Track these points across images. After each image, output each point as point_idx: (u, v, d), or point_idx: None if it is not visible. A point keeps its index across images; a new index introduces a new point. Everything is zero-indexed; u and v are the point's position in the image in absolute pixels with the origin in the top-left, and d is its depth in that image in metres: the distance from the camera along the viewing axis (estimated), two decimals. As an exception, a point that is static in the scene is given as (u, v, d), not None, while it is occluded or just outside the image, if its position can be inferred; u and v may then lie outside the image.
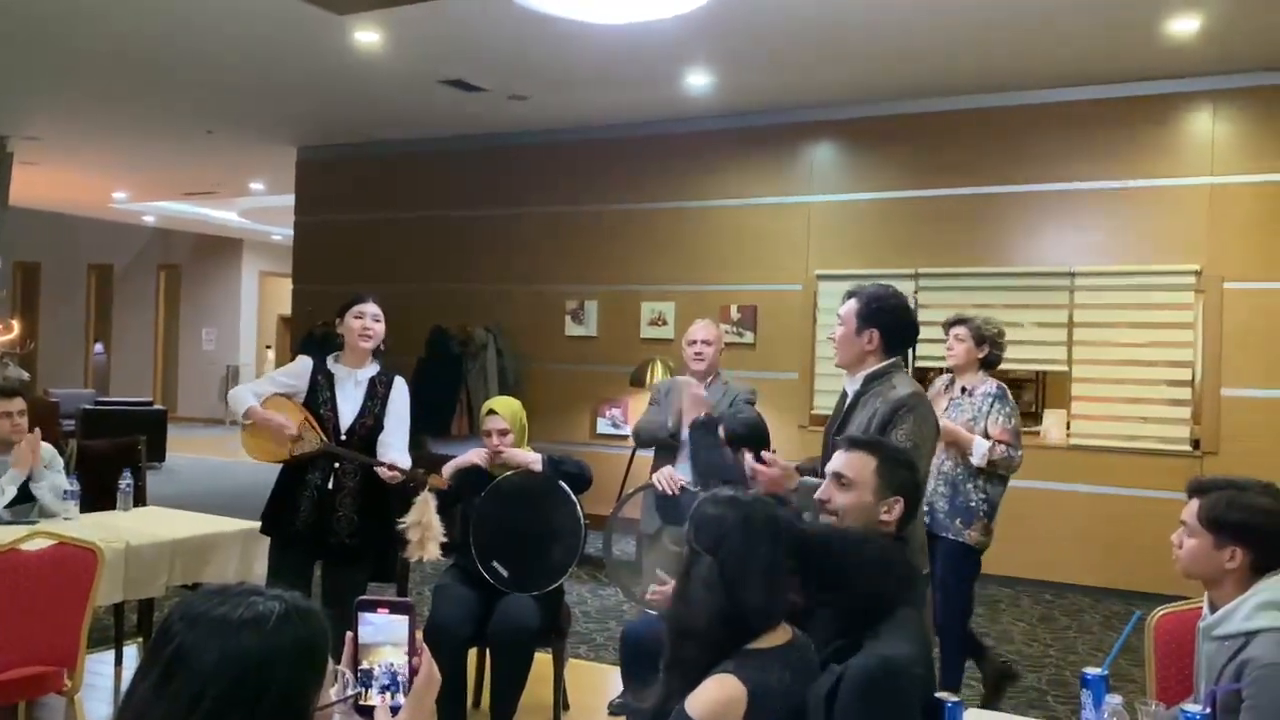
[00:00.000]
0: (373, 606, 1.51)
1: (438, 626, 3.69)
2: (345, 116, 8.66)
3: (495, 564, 3.78)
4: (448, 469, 3.98)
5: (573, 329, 8.66)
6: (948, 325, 4.46)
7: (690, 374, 4.64)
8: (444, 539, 3.75)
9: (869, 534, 2.33)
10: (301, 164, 10.13)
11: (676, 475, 4.01)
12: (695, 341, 4.57)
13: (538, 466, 3.89)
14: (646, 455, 4.85)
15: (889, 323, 2.99)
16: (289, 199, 10.57)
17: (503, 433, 3.94)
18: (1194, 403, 6.64)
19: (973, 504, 4.21)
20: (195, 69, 7.25)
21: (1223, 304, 6.52)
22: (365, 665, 1.49)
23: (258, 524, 3.98)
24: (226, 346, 17.02)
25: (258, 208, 14.12)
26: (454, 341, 8.64)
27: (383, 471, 3.65)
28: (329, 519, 3.73)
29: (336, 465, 3.74)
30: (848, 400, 3.05)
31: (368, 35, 6.33)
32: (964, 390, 4.29)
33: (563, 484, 3.86)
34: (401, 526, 3.73)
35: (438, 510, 4.02)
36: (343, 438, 3.75)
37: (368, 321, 3.80)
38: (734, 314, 7.94)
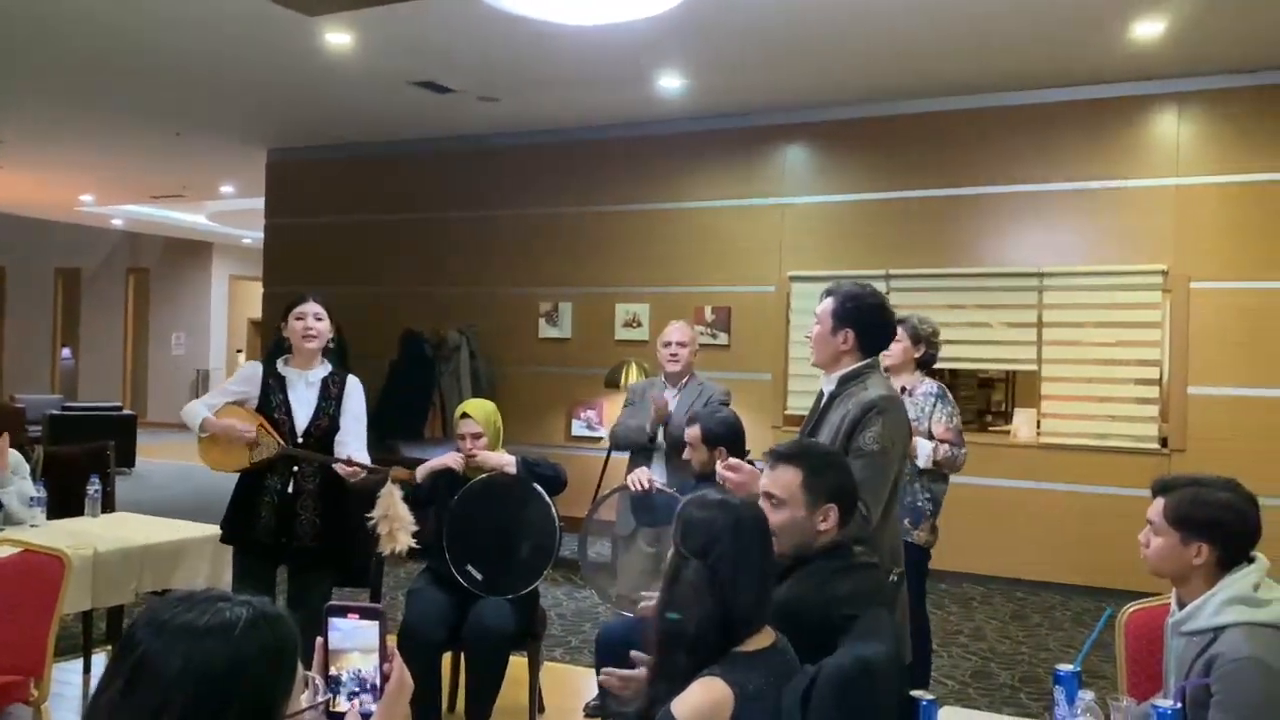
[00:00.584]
0: (342, 612, 1.50)
1: (411, 630, 3.67)
2: (316, 118, 8.61)
3: (469, 567, 3.76)
4: (421, 471, 3.96)
5: (547, 331, 8.65)
6: None
7: (665, 376, 4.66)
8: (414, 528, 3.74)
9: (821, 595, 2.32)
10: (272, 166, 10.06)
11: (651, 476, 4.01)
12: (670, 343, 4.59)
13: (512, 469, 3.88)
14: (621, 457, 4.86)
15: (865, 323, 2.95)
16: (259, 202, 10.50)
17: (476, 436, 3.92)
18: (1162, 401, 6.71)
19: (919, 504, 4.24)
20: (163, 70, 7.19)
21: (1189, 303, 6.60)
22: (333, 671, 1.48)
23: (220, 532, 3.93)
24: (196, 351, 16.86)
25: (227, 210, 14.01)
26: (427, 344, 8.60)
27: (341, 468, 3.64)
28: (291, 523, 3.70)
29: (295, 469, 3.71)
30: (823, 400, 3.03)
31: (338, 37, 6.30)
32: (903, 390, 4.29)
33: (537, 486, 3.85)
34: (370, 522, 3.71)
35: (413, 508, 4.00)
36: (299, 440, 3.73)
37: (309, 321, 3.77)
38: (708, 315, 7.95)
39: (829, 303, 2.99)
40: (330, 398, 3.82)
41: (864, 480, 2.74)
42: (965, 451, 4.32)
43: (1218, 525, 2.22)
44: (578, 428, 8.47)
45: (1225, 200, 6.57)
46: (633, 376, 7.41)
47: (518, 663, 3.87)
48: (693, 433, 3.77)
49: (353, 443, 3.76)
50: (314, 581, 3.74)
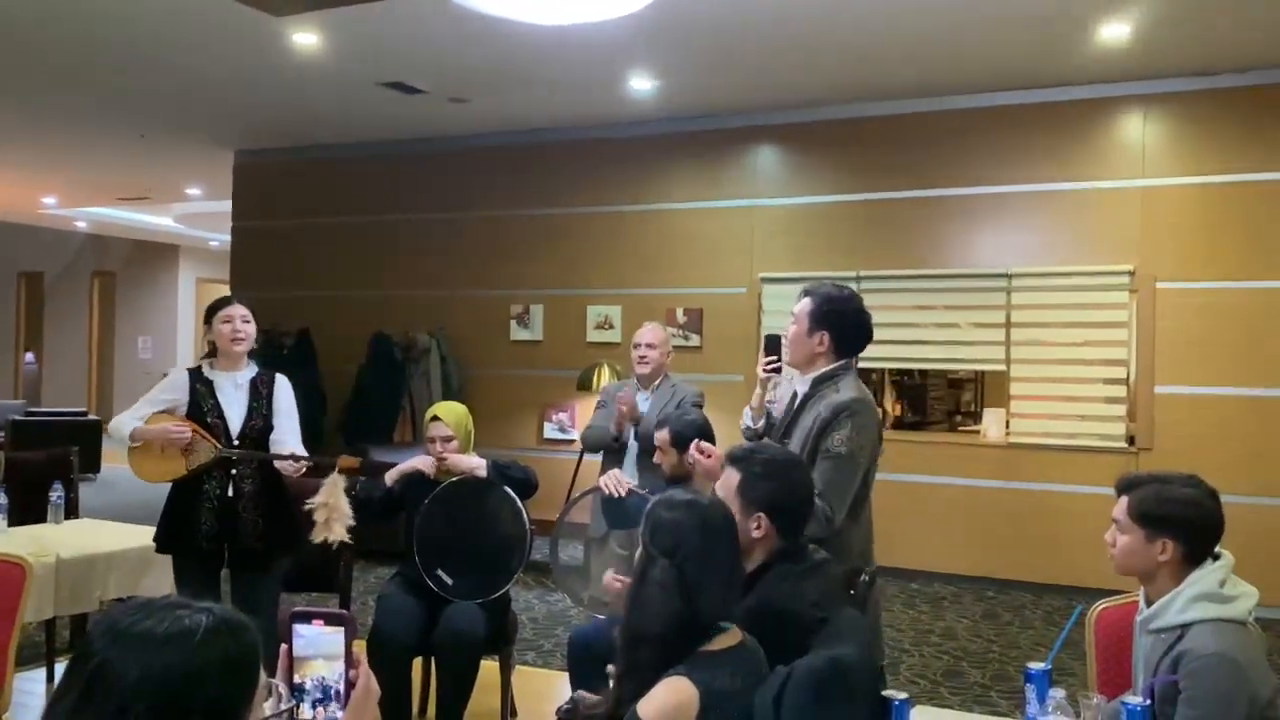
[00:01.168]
0: (307, 618, 1.49)
1: (381, 636, 3.64)
2: (283, 120, 8.53)
3: (439, 572, 3.73)
4: (391, 475, 3.93)
5: (518, 333, 8.62)
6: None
7: (637, 378, 4.65)
8: (351, 521, 3.70)
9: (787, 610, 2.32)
10: (239, 168, 9.96)
11: (623, 478, 4.00)
12: (640, 345, 4.58)
13: (483, 472, 3.86)
14: (594, 459, 4.85)
15: (842, 326, 2.96)
16: (226, 204, 10.39)
17: (447, 439, 3.89)
18: (1129, 400, 6.78)
19: None
20: (127, 71, 7.09)
21: (1155, 303, 6.67)
22: (297, 679, 1.46)
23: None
24: (163, 355, 16.66)
25: (194, 213, 13.86)
26: (396, 347, 8.54)
27: (286, 465, 3.61)
28: (233, 526, 3.67)
29: (234, 471, 3.68)
30: (796, 401, 3.04)
31: (305, 37, 6.24)
32: None
33: (508, 489, 3.83)
34: (309, 507, 3.68)
35: (380, 517, 3.97)
36: (235, 442, 3.69)
37: (237, 324, 3.75)
38: (680, 317, 7.95)
39: (807, 303, 2.99)
40: (261, 397, 3.79)
41: (829, 482, 2.79)
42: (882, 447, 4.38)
43: (1181, 521, 2.24)
44: (550, 430, 8.44)
45: (1190, 202, 6.65)
46: (605, 378, 7.40)
47: (489, 667, 3.85)
48: (662, 436, 3.77)
49: (290, 439, 3.75)
50: (260, 583, 3.71)
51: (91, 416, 12.28)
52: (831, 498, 2.78)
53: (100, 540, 4.23)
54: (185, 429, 3.61)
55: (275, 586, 3.83)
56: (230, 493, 3.67)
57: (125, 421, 3.69)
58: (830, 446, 2.82)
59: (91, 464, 10.90)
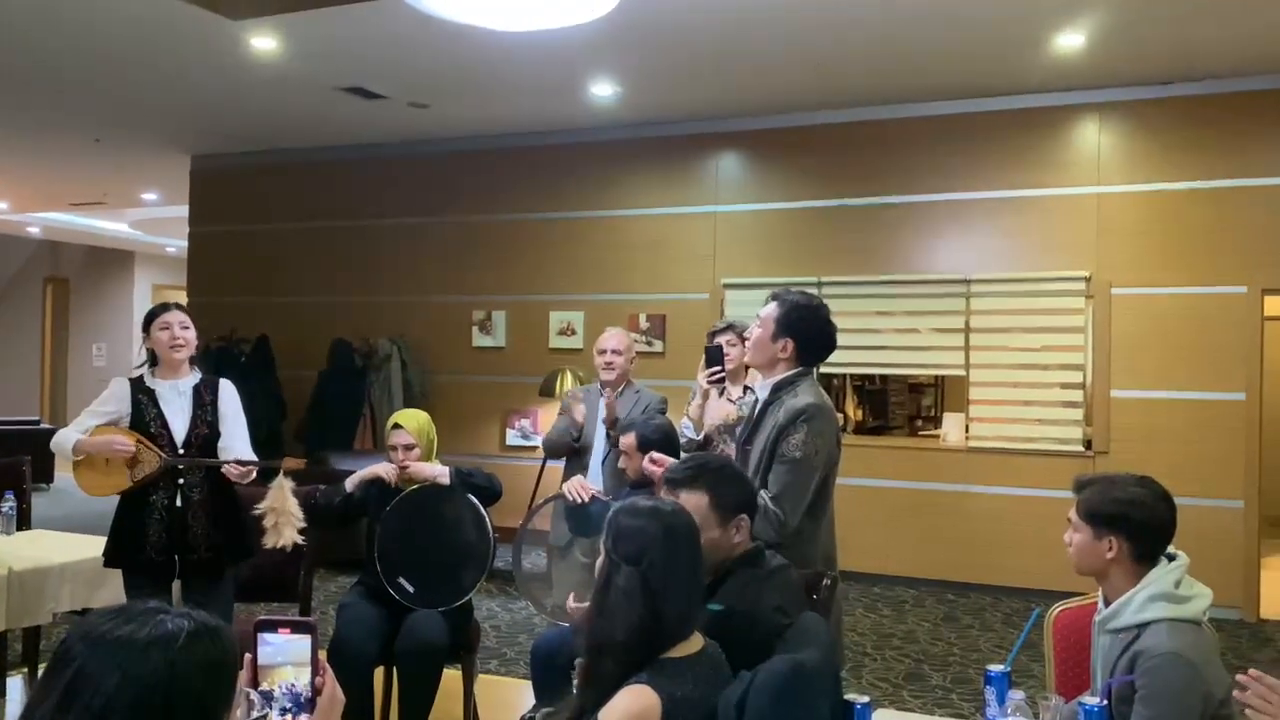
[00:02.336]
0: (273, 627, 1.49)
1: (342, 645, 3.61)
2: (242, 124, 8.44)
3: (401, 580, 3.70)
4: (351, 481, 3.90)
5: (480, 339, 8.58)
6: (713, 334, 4.35)
7: (601, 384, 4.64)
8: (301, 524, 3.67)
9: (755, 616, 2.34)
10: (196, 173, 9.84)
11: (586, 484, 3.99)
12: (605, 351, 4.57)
13: (446, 479, 3.83)
14: (557, 465, 4.83)
15: (806, 334, 2.99)
16: (183, 209, 10.26)
17: (409, 447, 3.86)
18: (1086, 404, 6.87)
19: None
20: (81, 75, 6.99)
21: (1111, 309, 6.77)
22: (266, 686, 1.46)
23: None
24: (118, 362, 16.39)
25: (150, 219, 13.67)
26: (357, 354, 8.48)
27: (232, 470, 3.56)
28: (183, 537, 3.61)
29: (181, 481, 3.62)
30: (757, 409, 3.06)
31: (264, 41, 6.18)
32: (746, 390, 4.30)
33: (470, 496, 3.80)
34: (257, 512, 3.65)
35: (339, 523, 3.93)
36: (180, 451, 3.64)
37: (175, 331, 3.69)
38: (643, 323, 7.96)
39: (774, 308, 3.01)
40: (205, 404, 3.74)
41: (784, 485, 2.82)
42: None
43: (1125, 519, 2.28)
44: (512, 437, 8.41)
45: (1144, 208, 6.76)
46: (568, 385, 7.38)
47: (452, 676, 3.82)
48: (627, 440, 3.76)
49: (238, 445, 3.70)
50: (212, 592, 3.64)
51: (44, 425, 12.04)
52: (784, 501, 2.81)
53: (53, 552, 4.15)
54: (129, 441, 3.55)
55: (228, 596, 3.78)
56: (178, 503, 3.61)
57: (68, 435, 3.63)
58: (785, 451, 2.85)
59: (44, 474, 10.69)
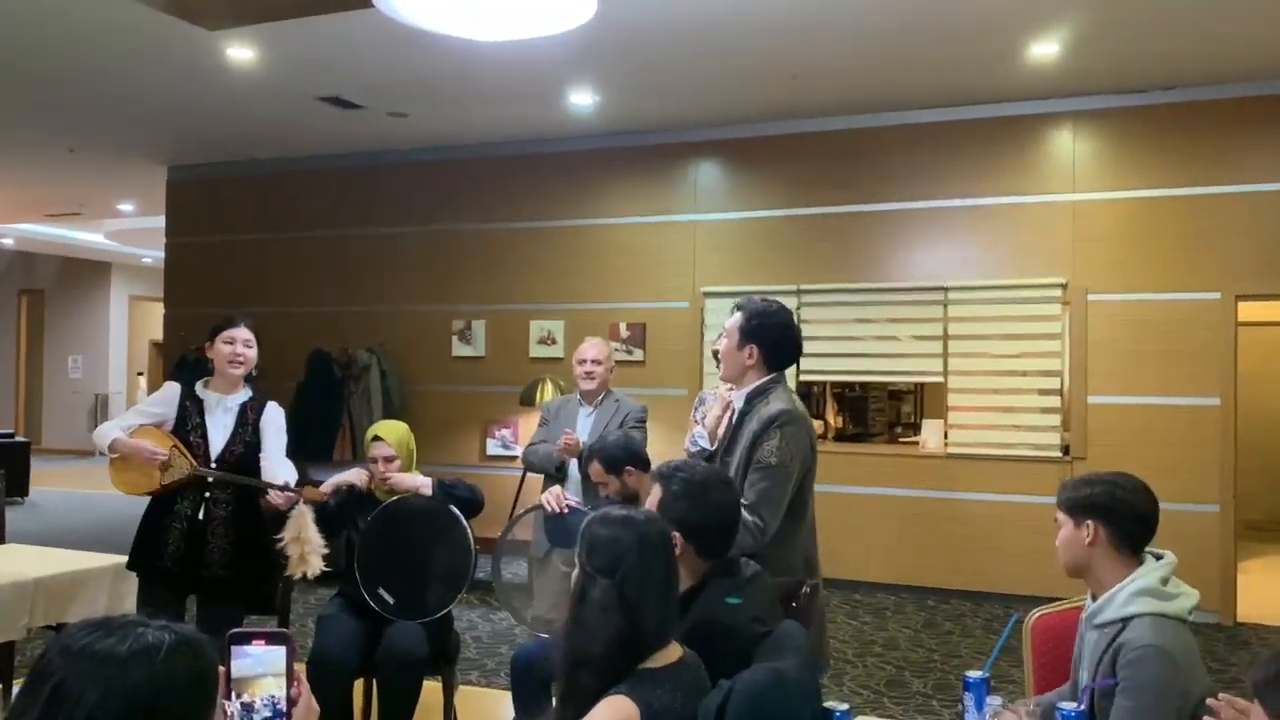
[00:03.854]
0: (247, 639, 1.50)
1: (322, 657, 3.58)
2: (219, 134, 8.40)
3: (381, 591, 3.68)
4: (326, 487, 3.88)
5: (460, 349, 8.56)
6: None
7: (581, 393, 4.63)
8: (325, 551, 3.65)
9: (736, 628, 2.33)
10: (173, 184, 9.78)
11: (565, 495, 3.98)
12: (585, 361, 4.57)
13: (427, 490, 3.82)
14: (538, 476, 4.82)
15: (769, 339, 3.03)
16: (160, 220, 10.20)
17: (389, 459, 3.85)
18: (1063, 410, 6.91)
19: None
20: (56, 85, 6.94)
21: (1087, 315, 6.82)
22: (246, 698, 1.47)
23: (126, 559, 3.80)
24: (95, 374, 16.28)
25: (127, 229, 13.59)
26: (335, 364, 8.44)
27: (275, 496, 3.52)
28: (201, 550, 3.60)
29: (207, 495, 3.61)
30: (734, 419, 3.09)
31: (241, 51, 6.16)
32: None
33: (452, 507, 3.79)
34: (280, 544, 3.61)
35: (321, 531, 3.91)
36: (212, 465, 3.63)
37: (238, 348, 3.69)
38: (623, 332, 7.96)
39: (737, 317, 3.07)
40: (247, 423, 3.73)
41: (760, 492, 2.85)
42: None
43: (1101, 502, 2.33)
44: (493, 447, 8.39)
45: (1119, 215, 6.82)
46: (548, 394, 7.37)
47: (432, 688, 3.80)
48: (595, 469, 3.71)
49: (280, 471, 3.65)
50: (225, 611, 3.61)
51: (19, 438, 11.93)
52: (762, 508, 2.83)
53: (28, 566, 4.10)
54: (163, 449, 3.54)
55: (239, 616, 3.71)
56: (201, 515, 3.60)
57: (109, 430, 3.62)
58: (760, 458, 2.88)
59: (19, 488, 10.61)
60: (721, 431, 3.21)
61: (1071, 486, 2.40)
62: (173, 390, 3.74)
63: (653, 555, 2.08)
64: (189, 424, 3.66)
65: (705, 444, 3.43)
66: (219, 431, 3.68)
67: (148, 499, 3.67)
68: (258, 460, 3.71)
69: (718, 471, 2.67)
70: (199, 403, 3.70)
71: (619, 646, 2.00)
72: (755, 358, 3.02)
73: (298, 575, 3.64)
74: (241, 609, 3.74)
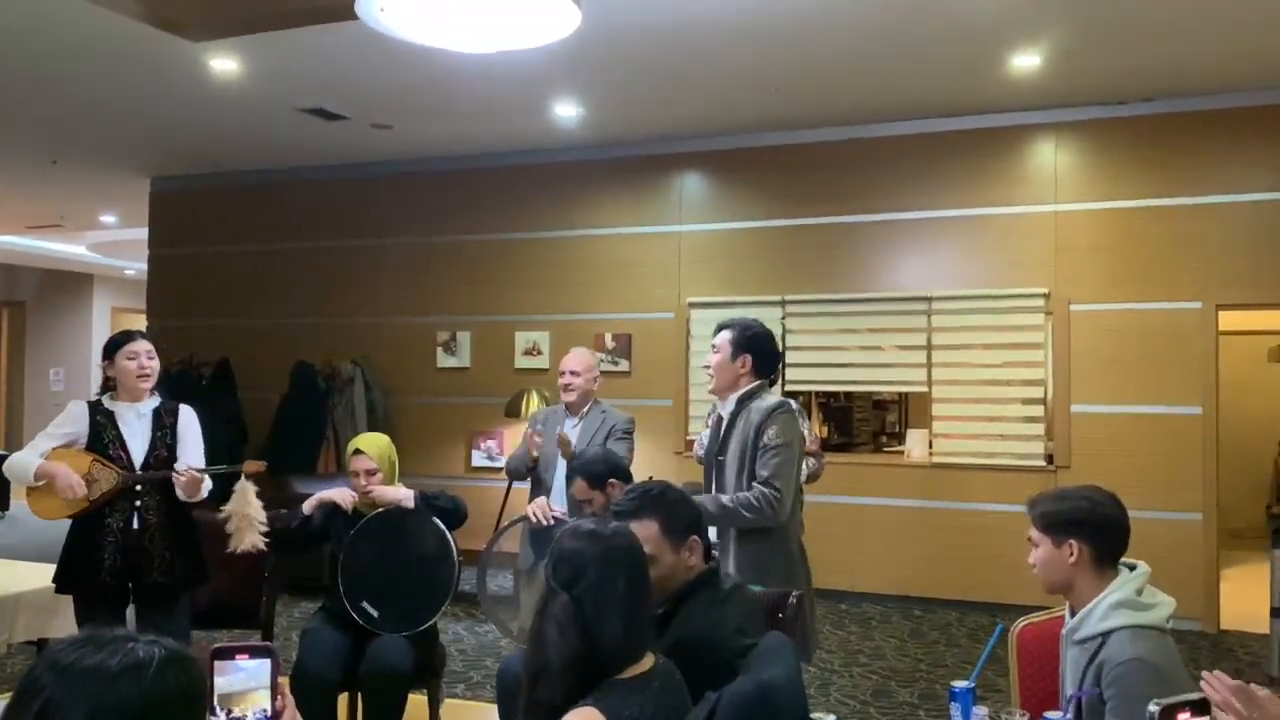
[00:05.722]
0: (230, 654, 1.51)
1: (306, 671, 3.56)
2: (202, 146, 8.37)
3: (365, 604, 3.66)
4: (309, 504, 3.86)
5: (445, 360, 8.54)
6: None
7: (565, 405, 4.62)
8: (264, 527, 3.64)
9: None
10: (156, 195, 9.74)
11: (551, 506, 3.97)
12: (564, 372, 4.57)
13: (410, 503, 3.80)
14: (523, 488, 4.80)
15: (760, 348, 3.45)
16: (143, 232, 10.14)
17: (370, 472, 3.83)
18: (1047, 419, 6.94)
19: None
20: (38, 96, 6.90)
21: (1070, 325, 6.85)
22: (238, 712, 1.48)
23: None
24: (77, 386, 16.12)
25: (109, 241, 13.51)
26: (319, 376, 8.40)
27: (179, 479, 3.51)
28: (138, 561, 3.57)
29: (138, 504, 3.58)
30: (723, 423, 3.43)
31: (224, 63, 6.15)
32: None
33: (435, 519, 3.77)
34: (222, 516, 3.63)
35: (301, 547, 3.89)
36: (137, 474, 3.60)
37: (143, 361, 3.67)
38: (609, 342, 7.96)
39: (727, 334, 3.49)
40: (165, 427, 3.71)
41: (774, 468, 3.24)
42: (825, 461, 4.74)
43: (1082, 520, 2.34)
44: (478, 458, 8.37)
45: (1100, 225, 6.86)
46: (533, 405, 7.36)
47: (417, 701, 3.78)
48: (579, 486, 3.70)
49: (192, 460, 3.65)
50: (166, 616, 3.59)
51: (0, 452, 11.83)
52: (777, 480, 3.22)
53: (7, 581, 4.07)
54: (80, 484, 3.48)
55: (185, 623, 3.71)
56: (135, 524, 3.57)
57: (27, 459, 3.56)
58: (769, 440, 3.26)
59: (0, 501, 10.51)
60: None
61: (1052, 506, 2.37)
62: (80, 408, 3.70)
63: (614, 571, 2.01)
64: (105, 438, 3.61)
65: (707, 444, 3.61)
66: (137, 439, 3.65)
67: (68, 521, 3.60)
68: None
69: (665, 483, 2.75)
70: (110, 415, 3.66)
71: (575, 663, 1.94)
72: (748, 366, 3.42)
73: (232, 549, 3.63)
74: (186, 612, 3.72)
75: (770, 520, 3.22)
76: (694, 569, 2.43)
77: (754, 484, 3.26)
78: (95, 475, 3.53)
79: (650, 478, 3.75)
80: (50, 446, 3.60)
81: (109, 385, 3.71)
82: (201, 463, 3.71)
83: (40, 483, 3.54)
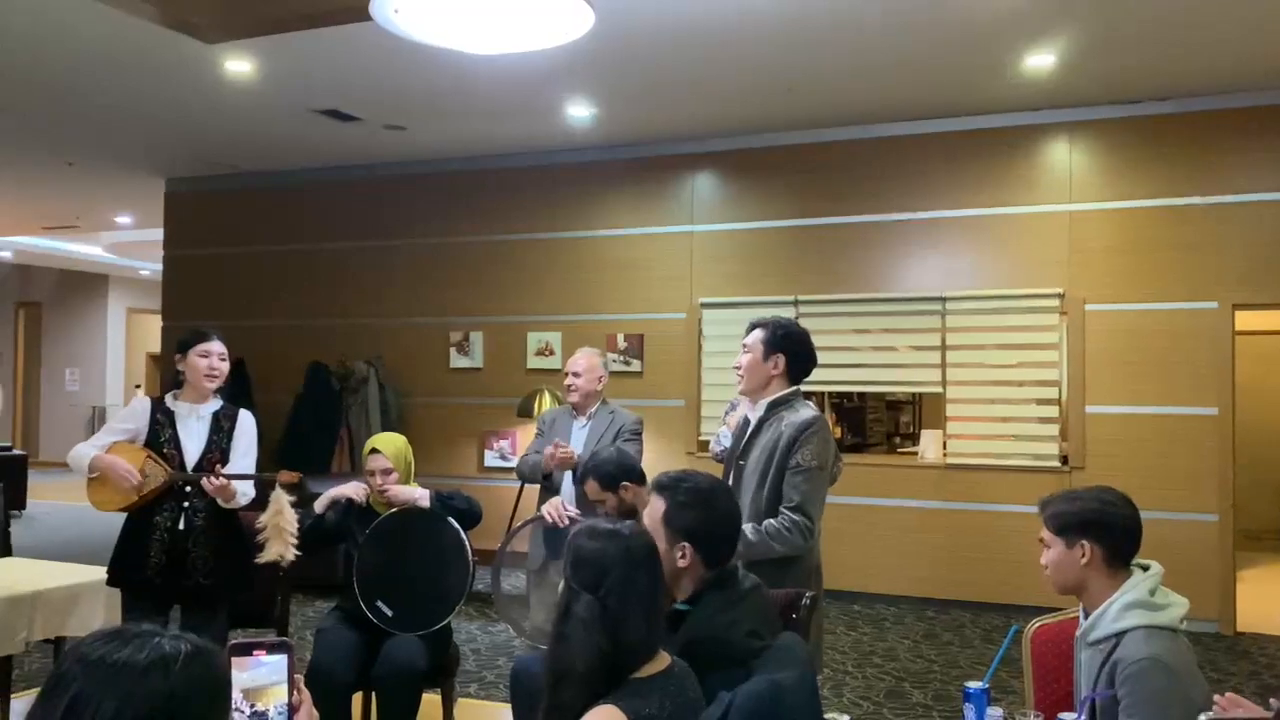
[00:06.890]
0: (247, 650, 1.52)
1: (320, 670, 3.57)
2: (217, 147, 8.42)
3: (380, 604, 3.67)
4: (321, 502, 3.88)
5: (458, 361, 8.56)
6: None
7: (571, 405, 4.62)
8: (294, 539, 3.66)
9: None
10: (171, 196, 9.79)
11: (565, 506, 3.97)
12: (568, 374, 4.58)
13: (425, 503, 3.81)
14: (535, 487, 4.81)
15: (794, 349, 3.26)
16: (158, 233, 10.20)
17: (386, 471, 3.84)
18: (1061, 420, 6.91)
19: None
20: (55, 99, 6.95)
21: (1085, 325, 6.83)
22: (260, 707, 1.49)
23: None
24: (92, 387, 16.26)
25: (125, 242, 13.60)
26: (333, 377, 8.43)
27: (208, 484, 3.54)
28: (183, 561, 3.61)
29: (186, 505, 3.62)
30: (750, 426, 3.23)
31: (238, 65, 6.18)
32: None
33: (450, 519, 3.78)
34: (258, 525, 3.66)
35: (313, 545, 3.90)
36: (183, 473, 3.64)
37: (214, 361, 3.71)
38: (621, 343, 7.96)
39: (759, 333, 3.29)
40: (222, 431, 3.75)
41: (805, 494, 3.08)
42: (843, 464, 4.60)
43: (1093, 521, 2.33)
44: (491, 458, 8.39)
45: (1115, 225, 6.83)
46: (546, 405, 7.37)
47: (431, 700, 3.79)
48: (591, 487, 3.69)
49: (240, 467, 3.69)
50: (208, 619, 3.64)
51: (17, 451, 11.91)
52: (809, 507, 3.06)
53: (25, 579, 4.09)
54: (132, 469, 3.54)
55: (224, 625, 3.76)
56: (181, 525, 3.61)
57: (85, 450, 3.62)
58: (801, 462, 3.08)
59: (17, 500, 10.58)
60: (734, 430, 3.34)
61: (1063, 507, 2.37)
62: (142, 404, 3.74)
63: (637, 569, 2.04)
64: (161, 437, 3.66)
65: (730, 444, 3.49)
66: (193, 440, 3.69)
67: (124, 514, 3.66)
68: None
69: (719, 480, 2.67)
70: (170, 414, 3.70)
71: (601, 663, 1.96)
72: (781, 367, 3.24)
73: (267, 560, 3.64)
74: (225, 616, 3.76)
75: (801, 549, 3.06)
76: (683, 573, 2.38)
77: (783, 509, 3.08)
78: (148, 471, 3.57)
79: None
80: (111, 440, 3.65)
81: (179, 381, 3.74)
82: (251, 466, 3.75)
83: (94, 474, 3.59)
